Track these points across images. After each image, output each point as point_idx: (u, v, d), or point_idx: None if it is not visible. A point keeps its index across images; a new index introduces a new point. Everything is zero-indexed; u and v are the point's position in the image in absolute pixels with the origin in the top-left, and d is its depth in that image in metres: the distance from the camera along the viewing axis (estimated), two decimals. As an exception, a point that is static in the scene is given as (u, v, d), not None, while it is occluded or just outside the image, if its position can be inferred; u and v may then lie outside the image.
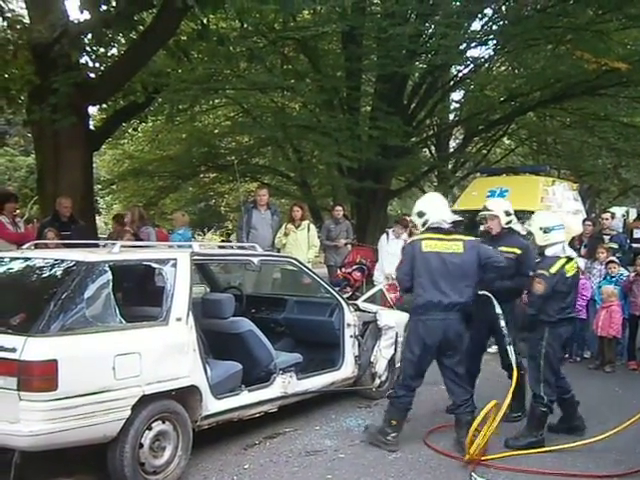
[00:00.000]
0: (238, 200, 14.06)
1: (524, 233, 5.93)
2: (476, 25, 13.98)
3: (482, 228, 5.85)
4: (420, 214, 5.09)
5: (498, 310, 5.11)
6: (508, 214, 5.66)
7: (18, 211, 8.99)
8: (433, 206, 5.11)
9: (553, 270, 5.04)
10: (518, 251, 5.58)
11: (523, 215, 8.78)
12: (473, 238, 5.24)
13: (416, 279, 4.92)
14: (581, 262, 8.34)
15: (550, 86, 14.29)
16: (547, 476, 4.48)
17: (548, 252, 5.19)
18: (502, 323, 5.12)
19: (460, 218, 5.32)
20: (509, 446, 5.01)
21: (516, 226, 5.84)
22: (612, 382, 7.11)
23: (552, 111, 16.95)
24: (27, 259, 4.68)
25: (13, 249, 6.66)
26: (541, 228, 5.21)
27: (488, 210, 5.71)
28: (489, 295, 5.16)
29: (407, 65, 12.68)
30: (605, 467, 4.63)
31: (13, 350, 3.69)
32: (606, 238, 8.88)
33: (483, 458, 4.71)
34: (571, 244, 9.47)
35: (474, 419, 4.78)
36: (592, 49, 12.26)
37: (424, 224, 5.05)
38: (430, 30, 13.39)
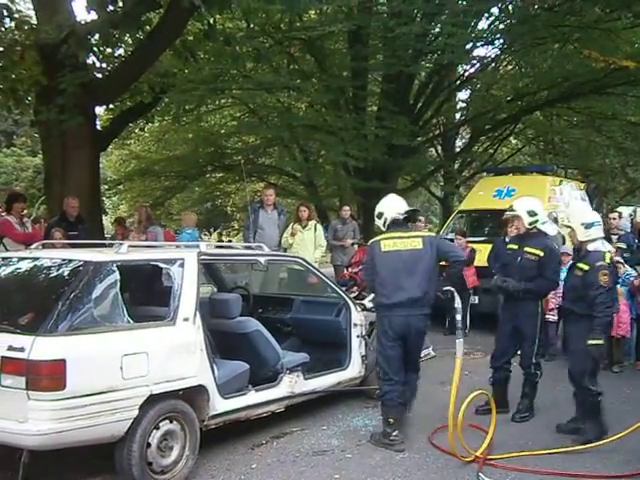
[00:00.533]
0: (245, 200, 14.07)
1: (553, 234, 5.87)
2: (482, 24, 13.96)
3: (509, 229, 5.90)
4: (379, 215, 5.28)
5: (457, 305, 5.14)
6: (532, 214, 5.63)
7: (25, 211, 9.02)
8: (388, 205, 5.30)
9: (608, 261, 5.06)
10: (541, 253, 5.58)
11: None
12: (432, 234, 5.37)
13: (378, 278, 5.09)
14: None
15: (557, 85, 14.26)
16: (555, 476, 4.45)
17: (590, 247, 5.18)
18: (458, 317, 5.12)
19: (414, 208, 5.42)
20: (583, 442, 4.99)
21: (545, 226, 5.81)
22: (620, 382, 7.07)
23: (559, 110, 16.91)
24: (35, 259, 4.69)
25: (21, 249, 6.69)
26: (582, 224, 5.20)
27: (512, 210, 5.74)
28: (452, 290, 5.25)
29: (413, 64, 12.66)
30: (613, 468, 4.61)
31: (21, 350, 3.71)
32: (614, 238, 8.82)
33: (489, 457, 4.70)
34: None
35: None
36: (600, 47, 12.21)
37: (384, 223, 5.22)
38: (436, 29, 13.37)
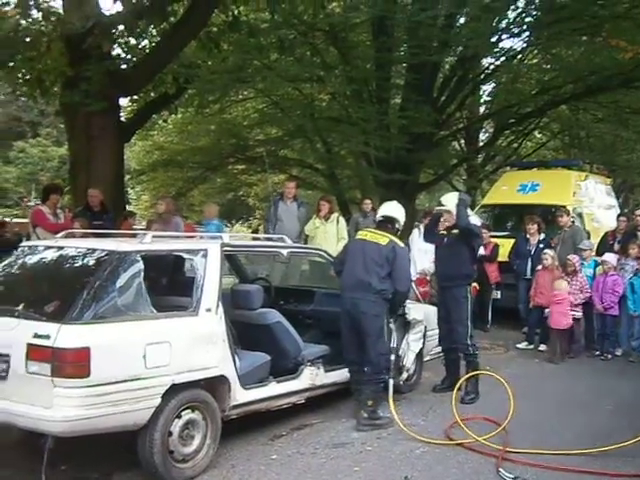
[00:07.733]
0: (267, 191, 14.09)
1: (479, 224, 6.72)
2: (510, 15, 13.71)
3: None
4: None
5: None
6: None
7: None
8: (381, 208, 5.97)
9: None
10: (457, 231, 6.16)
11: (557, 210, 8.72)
12: (402, 245, 5.67)
13: (345, 266, 5.61)
14: (613, 258, 8.19)
15: (584, 79, 14.01)
16: (576, 474, 4.40)
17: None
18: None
19: (391, 216, 5.75)
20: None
21: (471, 218, 6.36)
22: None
23: (585, 104, 16.63)
24: (60, 248, 4.73)
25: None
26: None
27: (442, 206, 6.29)
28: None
29: (437, 54, 12.51)
30: (635, 467, 4.54)
31: (47, 337, 3.76)
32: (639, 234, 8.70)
33: (513, 450, 4.66)
34: (604, 239, 9.34)
35: (374, 396, 5.28)
36: (629, 38, 11.96)
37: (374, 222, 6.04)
38: (462, 19, 13.19)
